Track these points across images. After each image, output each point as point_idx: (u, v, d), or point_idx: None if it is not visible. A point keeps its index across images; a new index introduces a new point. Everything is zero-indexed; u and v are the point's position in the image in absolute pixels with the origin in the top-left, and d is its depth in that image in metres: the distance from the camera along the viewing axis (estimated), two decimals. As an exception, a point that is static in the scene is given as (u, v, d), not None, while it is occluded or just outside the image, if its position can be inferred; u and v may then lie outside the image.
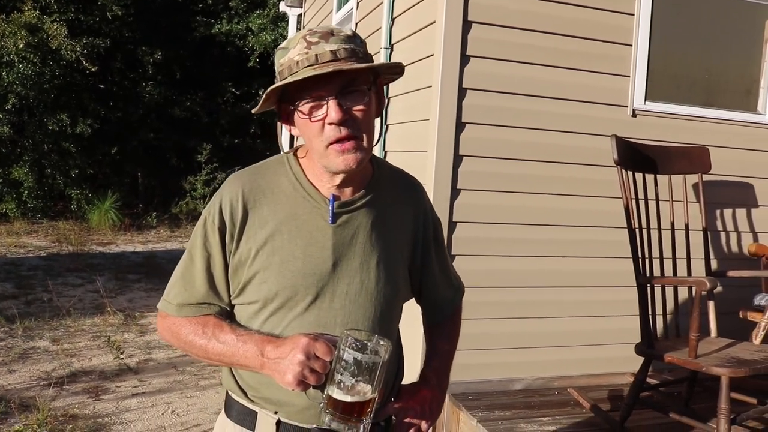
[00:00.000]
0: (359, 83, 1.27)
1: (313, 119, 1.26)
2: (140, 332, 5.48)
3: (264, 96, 1.29)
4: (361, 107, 1.27)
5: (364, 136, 1.29)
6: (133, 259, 8.59)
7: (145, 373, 4.58)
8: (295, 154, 1.41)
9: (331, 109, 1.24)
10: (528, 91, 3.18)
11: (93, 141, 11.49)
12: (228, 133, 13.13)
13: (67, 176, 11.15)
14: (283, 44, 1.31)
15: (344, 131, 1.25)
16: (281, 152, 1.44)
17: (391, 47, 3.89)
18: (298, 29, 8.10)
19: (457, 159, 3.09)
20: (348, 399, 1.20)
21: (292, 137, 8.09)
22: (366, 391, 1.20)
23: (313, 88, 1.24)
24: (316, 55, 1.23)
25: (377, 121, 1.36)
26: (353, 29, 1.33)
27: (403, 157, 3.55)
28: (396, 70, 1.35)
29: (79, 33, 10.92)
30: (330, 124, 1.24)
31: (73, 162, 11.18)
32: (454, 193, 3.09)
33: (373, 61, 1.29)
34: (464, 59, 3.06)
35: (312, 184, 1.36)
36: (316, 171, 1.35)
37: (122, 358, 4.73)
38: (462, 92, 3.07)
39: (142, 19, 12.13)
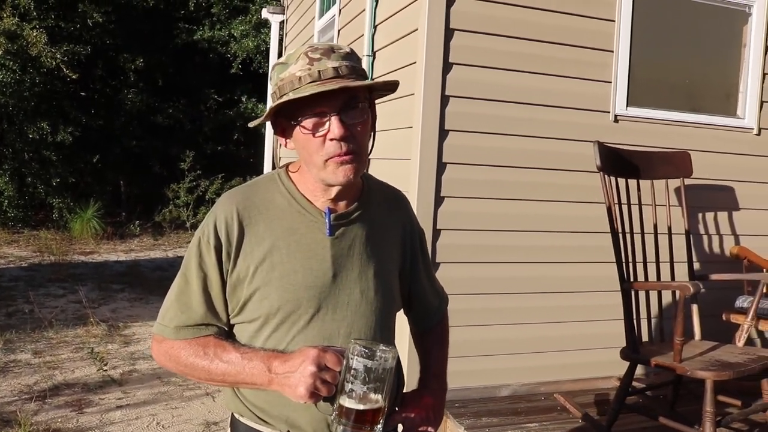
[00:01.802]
0: (359, 100, 1.29)
1: (316, 135, 1.27)
2: (124, 343, 5.42)
3: (268, 111, 1.30)
4: (360, 124, 1.30)
5: (362, 150, 1.31)
6: (116, 269, 8.51)
7: (129, 384, 4.53)
8: (286, 171, 1.42)
9: (333, 126, 1.26)
10: (510, 98, 3.20)
11: (74, 149, 11.36)
12: (211, 140, 13.04)
13: (48, 185, 11.02)
14: (281, 59, 1.33)
15: (345, 147, 1.27)
16: (276, 167, 1.45)
17: (373, 54, 3.89)
18: (281, 36, 8.10)
19: (441, 166, 3.09)
20: (360, 407, 1.21)
21: (274, 149, 8.08)
22: (377, 398, 1.22)
23: (316, 104, 1.26)
24: (319, 72, 1.25)
25: None
26: (349, 47, 1.34)
27: (386, 165, 3.55)
28: (390, 87, 1.38)
29: (59, 40, 10.81)
30: (332, 140, 1.26)
31: (54, 170, 11.05)
32: (438, 200, 3.09)
33: (367, 77, 1.32)
34: (447, 66, 3.07)
35: (306, 198, 1.38)
36: (309, 186, 1.37)
37: (106, 370, 4.67)
38: (445, 100, 3.08)
39: (123, 26, 12.02)
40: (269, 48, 8.79)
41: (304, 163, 1.35)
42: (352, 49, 1.33)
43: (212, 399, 4.31)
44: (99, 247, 10.00)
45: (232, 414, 1.43)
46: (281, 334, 1.33)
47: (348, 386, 1.21)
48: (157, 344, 1.40)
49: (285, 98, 1.26)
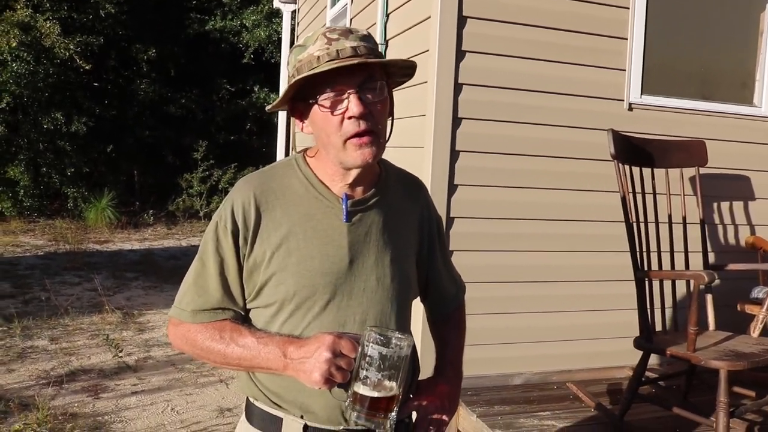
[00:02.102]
0: (377, 78, 1.29)
1: (335, 113, 1.26)
2: (139, 330, 5.48)
3: (285, 90, 1.30)
4: (379, 102, 1.29)
5: (381, 131, 1.31)
6: (131, 257, 8.58)
7: (144, 371, 4.58)
8: (303, 156, 1.41)
9: (352, 103, 1.25)
10: (524, 86, 3.18)
11: (88, 139, 11.44)
12: (223, 129, 13.09)
13: (63, 175, 11.11)
14: (299, 42, 1.33)
15: (363, 125, 1.27)
16: (292, 153, 1.44)
17: (386, 43, 3.88)
18: (293, 25, 8.09)
19: (454, 154, 3.09)
20: (375, 394, 1.21)
21: (287, 138, 8.09)
22: (391, 386, 1.22)
23: (334, 81, 1.25)
24: (338, 51, 1.25)
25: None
26: (366, 30, 1.34)
27: (399, 153, 3.54)
28: (408, 72, 1.37)
29: (72, 31, 10.86)
30: (350, 117, 1.26)
31: (68, 160, 11.14)
32: (452, 188, 3.09)
33: (383, 58, 1.31)
34: (460, 54, 3.06)
35: (323, 183, 1.37)
36: (327, 171, 1.37)
37: (121, 357, 4.73)
38: (458, 88, 3.07)
39: (136, 17, 12.06)
40: (281, 38, 8.79)
41: (322, 146, 1.34)
42: (369, 32, 1.33)
43: (226, 386, 4.35)
44: (113, 236, 10.08)
45: (247, 398, 1.44)
46: (297, 319, 1.33)
47: (363, 373, 1.21)
48: (173, 327, 1.41)
49: (303, 75, 1.25)
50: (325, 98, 1.26)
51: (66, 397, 4.06)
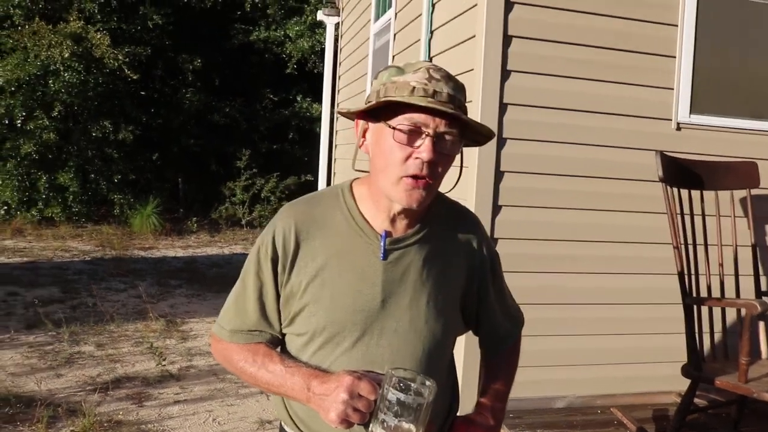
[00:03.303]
0: (455, 134, 1.28)
1: (413, 146, 1.25)
2: (181, 338, 5.56)
3: (371, 102, 1.29)
4: (448, 156, 1.29)
5: (436, 183, 1.30)
6: (174, 264, 8.73)
7: (186, 380, 4.64)
8: (350, 188, 1.41)
9: (425, 146, 1.25)
10: (569, 106, 3.15)
11: (135, 147, 11.72)
12: (267, 138, 13.25)
13: (110, 181, 11.39)
14: (398, 63, 1.33)
15: (426, 171, 1.26)
16: (352, 168, 1.43)
17: (430, 60, 3.88)
18: (336, 36, 8.16)
19: (498, 175, 3.07)
20: None
21: (329, 148, 8.14)
22: (410, 430, 1.20)
23: (417, 118, 1.24)
24: (435, 91, 1.24)
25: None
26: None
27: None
28: (481, 140, 1.37)
29: (121, 42, 11.15)
30: (416, 158, 1.25)
31: (115, 167, 11.42)
32: (496, 209, 3.07)
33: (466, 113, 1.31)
34: (505, 74, 3.05)
35: (365, 218, 1.36)
36: (372, 203, 1.36)
37: (164, 365, 4.80)
38: (503, 107, 3.06)
39: (182, 28, 12.33)
40: (324, 48, 8.88)
41: (375, 170, 1.32)
42: (463, 85, 1.32)
43: (267, 398, 4.38)
44: (158, 242, 10.27)
45: (280, 421, 1.46)
46: (326, 352, 1.33)
47: (381, 416, 1.19)
48: (215, 343, 1.46)
49: (396, 99, 1.24)
50: (404, 126, 1.25)
51: (111, 404, 4.14)
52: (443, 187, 1.38)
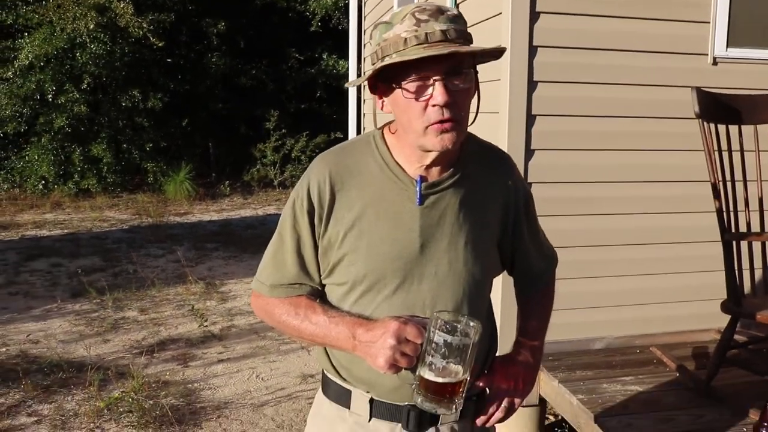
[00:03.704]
0: (465, 65, 1.25)
1: (419, 99, 1.23)
2: (221, 300, 5.68)
3: (369, 72, 1.27)
4: (464, 90, 1.26)
5: (463, 118, 1.27)
6: (210, 228, 8.86)
7: (228, 339, 4.76)
8: (381, 134, 1.39)
9: (437, 91, 1.22)
10: (601, 45, 3.07)
11: (164, 114, 11.82)
12: (294, 98, 13.24)
13: (142, 150, 11.54)
14: (385, 18, 1.29)
15: (447, 114, 1.23)
16: (374, 128, 1.41)
17: (456, 6, 3.81)
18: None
19: (530, 119, 3.02)
20: (440, 380, 1.21)
21: (358, 105, 8.09)
22: (457, 371, 1.21)
23: (421, 67, 1.21)
24: (426, 34, 1.21)
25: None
26: (457, 9, 1.30)
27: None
28: (496, 54, 1.31)
29: (144, 10, 11.15)
30: (434, 105, 1.23)
31: (146, 136, 11.55)
32: (528, 154, 3.04)
33: (472, 41, 1.27)
34: (534, 15, 2.97)
35: (399, 164, 1.35)
36: (405, 151, 1.34)
37: (206, 326, 4.93)
38: (532, 50, 2.99)
39: (204, -9, 12.28)
40: (348, 3, 8.75)
41: (402, 129, 1.31)
42: (460, 12, 1.28)
43: (308, 353, 4.47)
44: (192, 208, 10.42)
45: (323, 370, 1.48)
46: (367, 300, 1.34)
47: (428, 359, 1.20)
48: (255, 299, 1.46)
49: (389, 60, 1.22)
50: (410, 84, 1.23)
51: (157, 365, 4.27)
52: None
